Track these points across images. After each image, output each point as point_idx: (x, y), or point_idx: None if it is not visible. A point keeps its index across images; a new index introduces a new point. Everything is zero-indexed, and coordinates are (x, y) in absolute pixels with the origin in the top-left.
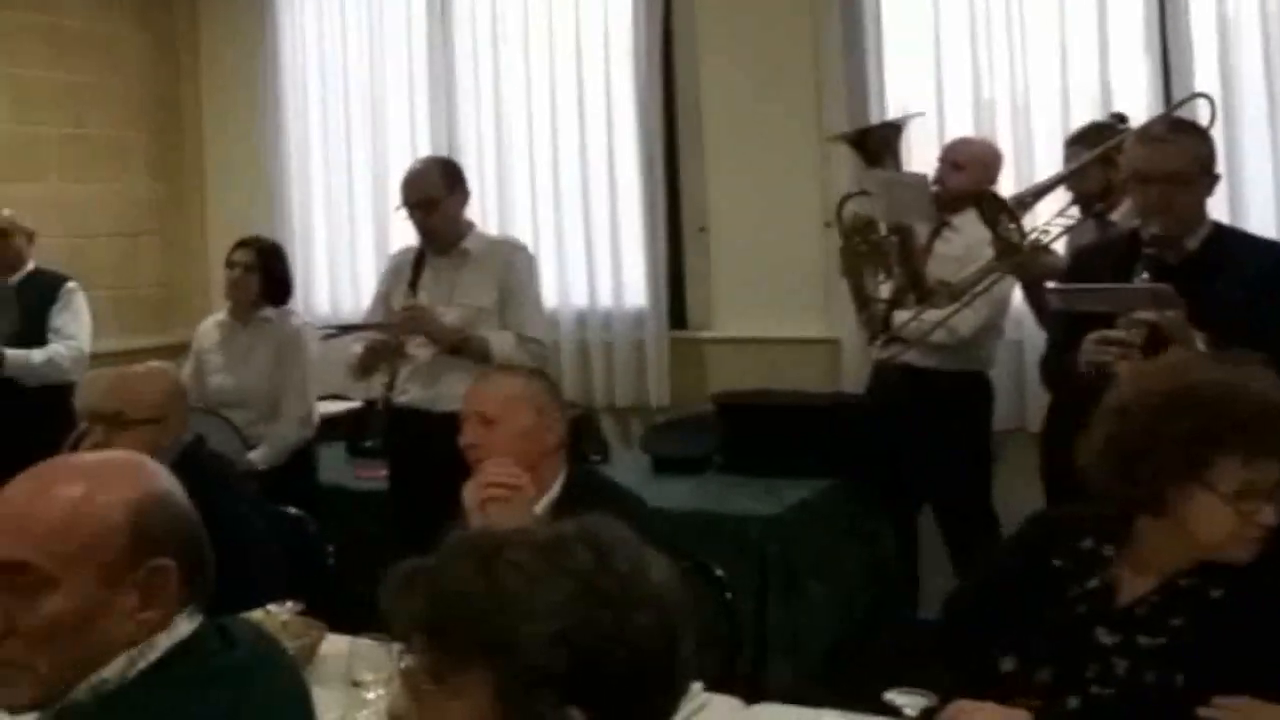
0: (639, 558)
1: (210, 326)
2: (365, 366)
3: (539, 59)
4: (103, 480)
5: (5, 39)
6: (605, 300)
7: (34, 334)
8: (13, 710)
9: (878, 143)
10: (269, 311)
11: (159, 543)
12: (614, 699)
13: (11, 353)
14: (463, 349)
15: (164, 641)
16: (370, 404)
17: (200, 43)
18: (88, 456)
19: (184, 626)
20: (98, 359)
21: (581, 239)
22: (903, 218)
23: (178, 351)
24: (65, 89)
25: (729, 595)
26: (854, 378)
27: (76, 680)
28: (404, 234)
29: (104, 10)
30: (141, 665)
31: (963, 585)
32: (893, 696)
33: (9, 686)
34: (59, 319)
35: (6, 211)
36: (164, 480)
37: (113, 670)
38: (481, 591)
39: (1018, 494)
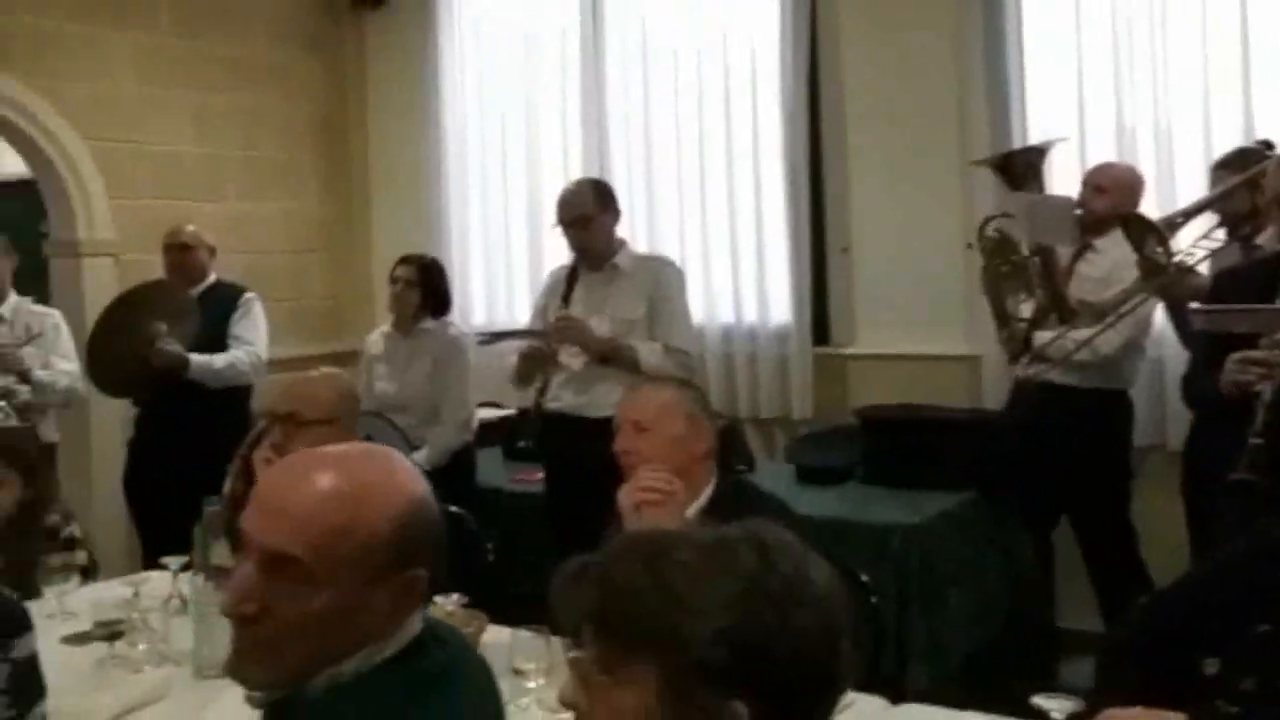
0: (801, 560)
1: (376, 337)
2: (522, 375)
3: (687, 83)
4: (376, 489)
5: (191, 68)
6: (750, 316)
7: (216, 340)
8: (249, 688)
9: (1021, 167)
10: (429, 323)
11: (417, 554)
12: (776, 694)
13: (196, 357)
14: (613, 358)
15: (397, 639)
16: (524, 411)
17: (367, 71)
18: (355, 454)
19: (415, 625)
20: (273, 365)
21: (728, 257)
22: (1045, 239)
23: (345, 359)
24: (244, 114)
25: (873, 599)
26: (994, 393)
27: (317, 671)
28: (557, 251)
29: (280, 41)
30: (376, 660)
31: (1172, 586)
32: (1040, 701)
33: (253, 665)
34: (238, 326)
35: (190, 228)
36: (421, 485)
37: (348, 667)
38: (649, 588)
39: (1156, 509)
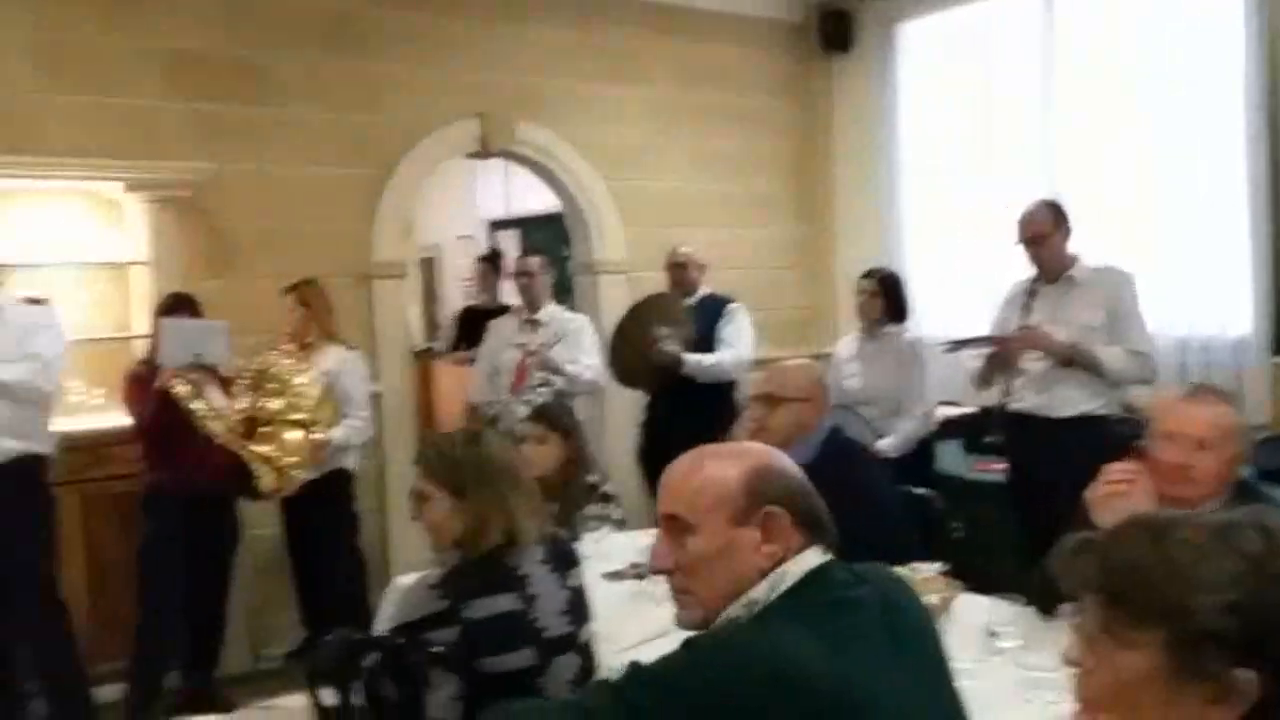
0: None
1: (845, 340)
2: (984, 377)
3: (1143, 102)
4: (728, 458)
5: (689, 116)
6: (1206, 329)
7: (706, 343)
8: (690, 628)
9: None
10: (891, 328)
11: (767, 496)
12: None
13: (689, 356)
14: (1075, 360)
15: (795, 570)
16: (987, 409)
17: (834, 114)
18: (725, 445)
19: (812, 559)
20: (754, 365)
21: (1181, 271)
22: None
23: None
24: (731, 154)
25: None
26: None
27: (729, 601)
28: (1007, 266)
29: (761, 90)
30: (781, 589)
31: None
32: None
33: (684, 609)
34: (725, 331)
35: (686, 249)
36: (770, 456)
37: (758, 593)
38: (1154, 562)
39: None
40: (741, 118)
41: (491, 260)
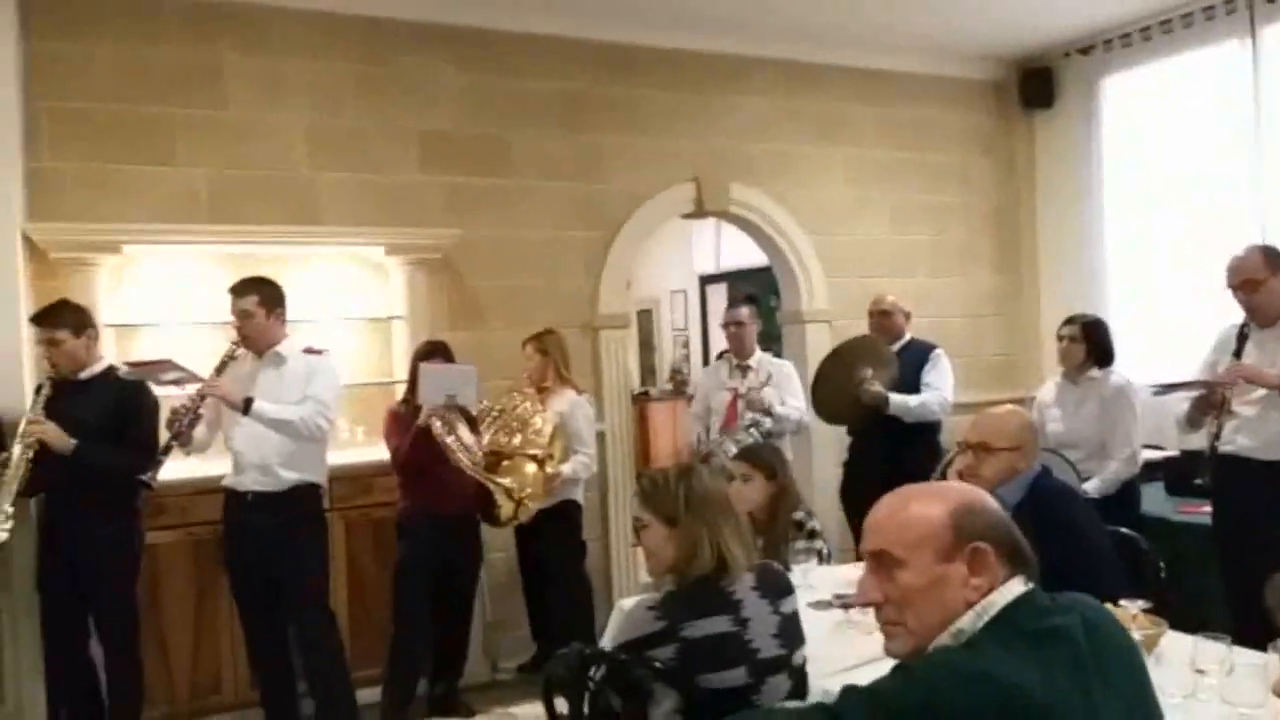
0: None
1: (1049, 385)
2: (1192, 420)
3: None
4: (931, 497)
5: (890, 173)
6: None
7: (912, 387)
8: (900, 658)
9: None
10: (1095, 372)
11: (973, 532)
12: None
13: (896, 397)
14: None
15: (1000, 600)
16: (1192, 452)
17: (1037, 167)
18: (927, 484)
19: (1015, 588)
20: (956, 408)
21: None
22: None
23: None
24: (931, 208)
25: None
26: None
27: (937, 631)
28: (1213, 312)
29: (961, 147)
30: (987, 618)
31: None
32: None
33: (894, 639)
34: (929, 375)
35: (890, 297)
36: (971, 494)
37: (965, 623)
38: None
39: None
40: (942, 173)
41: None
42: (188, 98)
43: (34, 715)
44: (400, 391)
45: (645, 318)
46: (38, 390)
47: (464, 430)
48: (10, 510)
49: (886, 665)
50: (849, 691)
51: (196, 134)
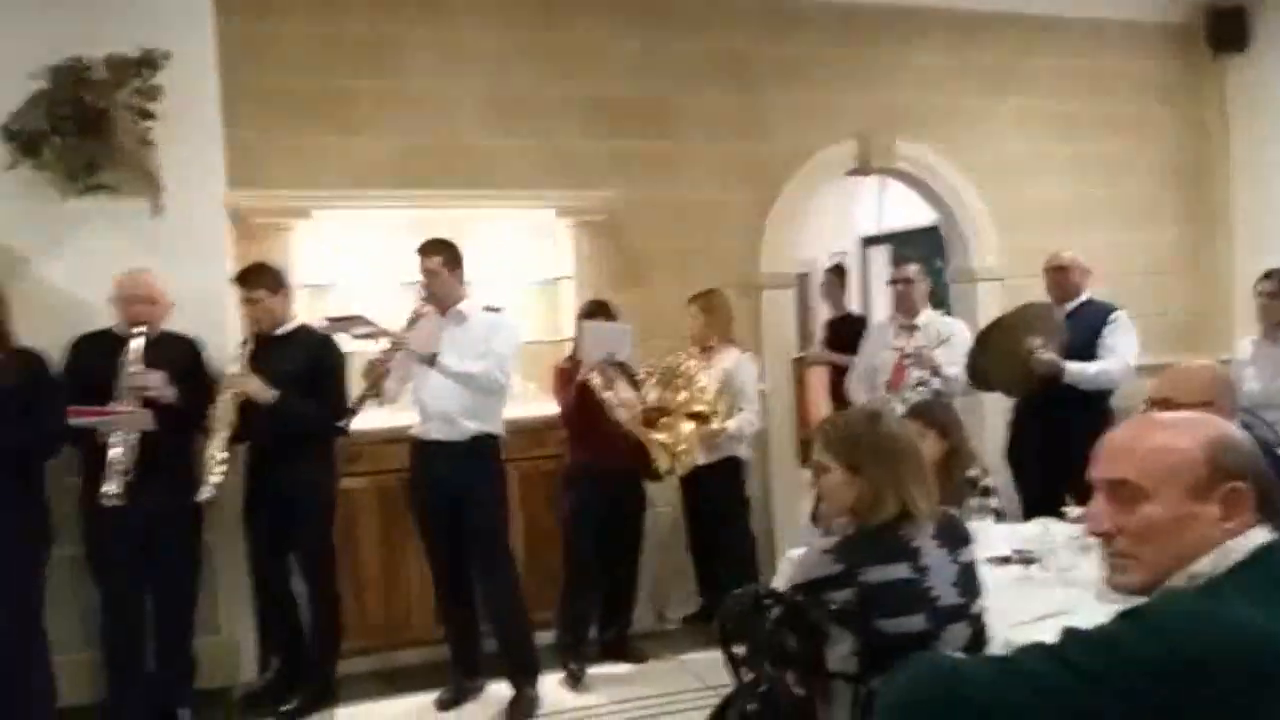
0: None
1: (1245, 344)
2: None
3: None
4: (1183, 427)
5: (1065, 125)
6: None
7: (1088, 350)
8: (1126, 592)
9: None
10: None
11: (1232, 471)
12: None
13: (1072, 365)
14: None
15: (1243, 545)
16: None
17: (1228, 115)
18: (1176, 414)
19: (1259, 536)
20: (1140, 370)
21: None
22: None
23: None
24: (1109, 161)
25: None
26: None
27: (1172, 570)
28: None
29: (1140, 96)
30: (1225, 565)
31: None
32: None
33: (1122, 574)
34: (1111, 338)
35: (1068, 253)
36: (1227, 429)
37: (1202, 566)
38: None
39: None
40: (1121, 123)
41: (837, 272)
42: (372, 70)
43: (245, 645)
44: (568, 349)
45: (804, 281)
46: (241, 346)
47: (622, 386)
48: (221, 456)
49: (1067, 620)
50: (1074, 635)
51: (380, 104)
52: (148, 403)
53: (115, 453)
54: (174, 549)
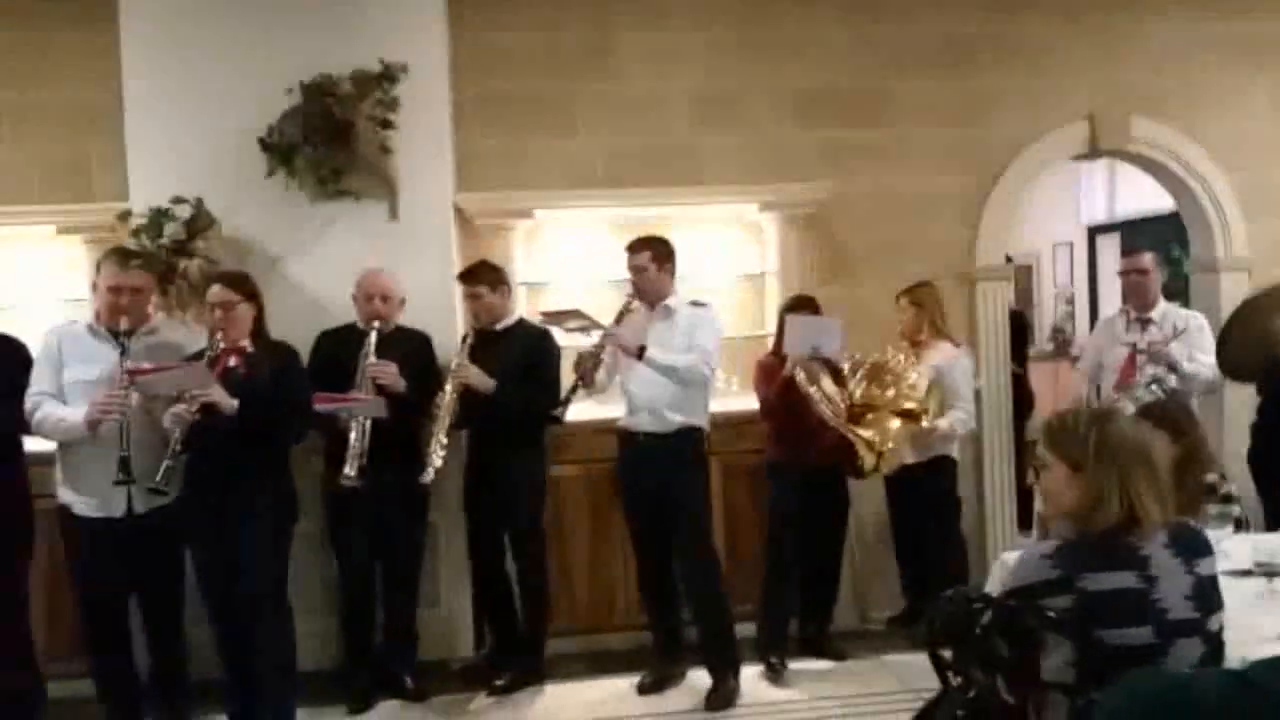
0: None
1: None
2: None
3: None
4: None
5: None
6: None
7: None
8: None
9: None
10: None
11: None
12: None
13: None
14: None
15: None
16: None
17: None
18: None
19: None
20: None
21: None
22: None
23: None
24: None
25: None
26: None
27: None
28: None
29: None
30: None
31: None
32: None
33: None
34: None
35: None
36: None
37: None
38: None
39: None
40: None
41: None
42: (587, 75)
43: (462, 620)
44: (770, 344)
45: (1023, 274)
46: (463, 339)
47: (827, 382)
48: (444, 441)
49: None
50: None
51: (594, 108)
52: (381, 391)
53: (353, 438)
54: (402, 528)
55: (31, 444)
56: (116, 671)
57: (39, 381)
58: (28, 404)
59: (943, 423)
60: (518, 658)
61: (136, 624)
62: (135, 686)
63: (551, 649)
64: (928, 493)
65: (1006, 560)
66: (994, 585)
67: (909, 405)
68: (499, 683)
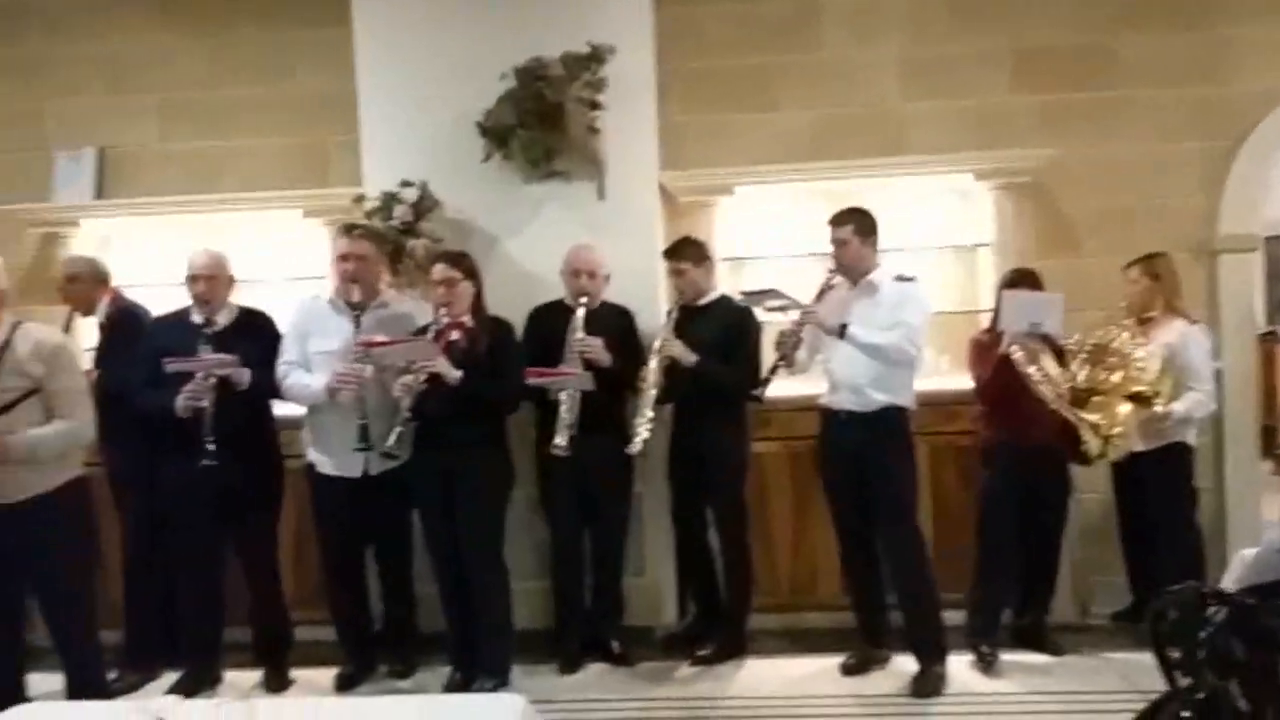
0: None
1: None
2: None
3: None
4: None
5: None
6: None
7: None
8: None
9: None
10: None
11: None
12: None
13: None
14: None
15: None
16: None
17: None
18: None
19: None
20: None
21: None
22: None
23: None
24: None
25: None
26: None
27: None
28: None
29: None
30: None
31: None
32: None
33: None
34: None
35: None
36: None
37: None
38: None
39: None
40: None
41: None
42: (788, 45)
43: (667, 588)
44: (985, 321)
45: (1275, 244)
46: (668, 314)
47: (1048, 361)
48: (650, 414)
49: None
50: None
51: (796, 79)
52: (588, 365)
53: (563, 409)
54: (609, 496)
55: (281, 409)
56: (352, 619)
57: (288, 351)
58: (278, 371)
59: (1178, 406)
60: (720, 630)
61: (374, 576)
62: (370, 634)
63: (754, 624)
64: (1161, 483)
65: (1245, 555)
66: (1231, 581)
67: (1139, 388)
68: (702, 652)
